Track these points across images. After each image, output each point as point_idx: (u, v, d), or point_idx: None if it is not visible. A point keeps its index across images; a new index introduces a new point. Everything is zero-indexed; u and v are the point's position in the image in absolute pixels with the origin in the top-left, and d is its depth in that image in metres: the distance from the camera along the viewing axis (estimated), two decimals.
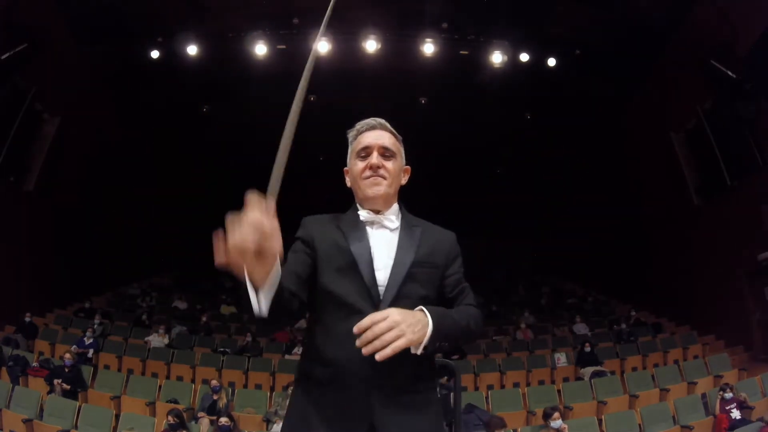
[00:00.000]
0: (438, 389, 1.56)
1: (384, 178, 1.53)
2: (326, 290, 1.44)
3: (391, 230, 1.53)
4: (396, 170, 1.56)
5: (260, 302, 1.21)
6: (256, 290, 1.21)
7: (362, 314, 1.36)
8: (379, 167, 1.52)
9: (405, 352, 1.32)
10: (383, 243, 1.50)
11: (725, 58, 8.50)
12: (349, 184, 1.62)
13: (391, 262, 1.46)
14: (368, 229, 1.52)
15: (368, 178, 1.53)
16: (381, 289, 1.42)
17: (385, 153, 1.55)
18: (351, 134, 1.62)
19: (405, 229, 1.53)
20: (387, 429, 1.36)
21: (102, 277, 12.81)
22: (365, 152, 1.55)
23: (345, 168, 1.64)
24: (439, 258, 1.51)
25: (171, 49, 10.01)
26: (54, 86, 9.64)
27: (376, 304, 1.40)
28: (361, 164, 1.55)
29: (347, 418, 1.37)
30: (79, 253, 11.43)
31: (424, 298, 1.44)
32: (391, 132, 1.60)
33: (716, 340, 9.61)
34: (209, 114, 12.61)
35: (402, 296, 1.42)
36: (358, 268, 1.43)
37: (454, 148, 13.89)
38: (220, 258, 1.09)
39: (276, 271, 1.21)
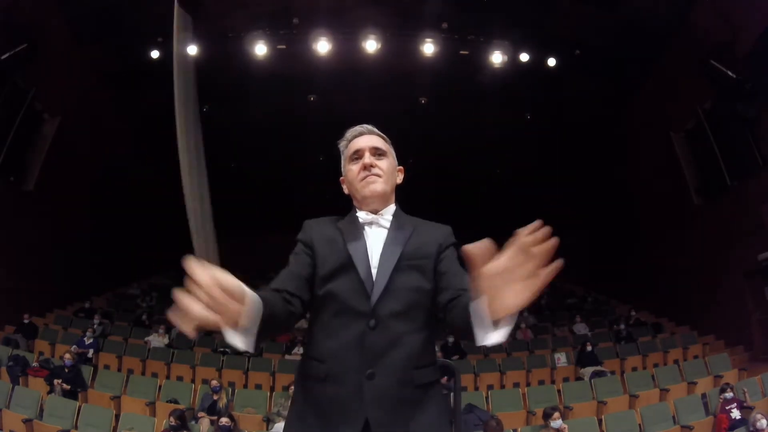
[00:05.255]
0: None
1: (378, 176, 1.56)
2: (324, 289, 1.46)
3: (389, 229, 1.55)
4: (389, 168, 1.60)
5: (243, 341, 1.13)
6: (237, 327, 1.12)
7: (355, 310, 1.40)
8: (372, 165, 1.56)
9: (402, 339, 1.36)
10: (381, 241, 1.51)
11: (725, 58, 8.50)
12: (346, 191, 1.65)
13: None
14: (366, 228, 1.54)
15: (364, 178, 1.56)
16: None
17: (377, 152, 1.59)
18: (342, 144, 1.66)
19: (395, 226, 1.55)
20: (382, 425, 1.34)
21: (102, 277, 12.81)
22: (357, 155, 1.59)
23: (341, 177, 1.66)
24: (431, 248, 1.51)
25: (171, 49, 9.99)
26: (54, 86, 9.64)
27: (369, 299, 1.41)
28: (355, 167, 1.58)
29: (342, 414, 1.35)
30: (79, 253, 11.42)
31: (417, 290, 1.45)
32: (379, 135, 1.64)
33: (716, 340, 9.61)
34: (209, 114, 12.61)
35: (392, 289, 1.42)
36: (354, 266, 1.44)
37: (454, 148, 13.89)
38: (187, 331, 1.03)
39: (251, 308, 1.12)
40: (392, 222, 1.56)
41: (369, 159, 1.57)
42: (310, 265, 1.49)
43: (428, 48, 9.97)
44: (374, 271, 1.45)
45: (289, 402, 1.56)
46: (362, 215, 1.56)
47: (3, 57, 8.20)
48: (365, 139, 1.61)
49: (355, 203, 1.62)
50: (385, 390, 1.36)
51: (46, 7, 8.74)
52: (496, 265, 1.00)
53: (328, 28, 9.73)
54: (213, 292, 1.01)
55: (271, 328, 1.22)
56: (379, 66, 10.42)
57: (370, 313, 1.40)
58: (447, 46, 10.09)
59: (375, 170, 1.56)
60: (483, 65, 10.37)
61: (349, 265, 1.45)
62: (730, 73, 8.48)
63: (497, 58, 10.15)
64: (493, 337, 1.11)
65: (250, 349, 1.16)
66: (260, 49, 9.90)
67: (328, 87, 11.25)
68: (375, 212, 1.56)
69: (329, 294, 1.44)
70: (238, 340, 1.12)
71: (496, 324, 1.09)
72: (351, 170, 1.60)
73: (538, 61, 10.28)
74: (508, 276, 0.99)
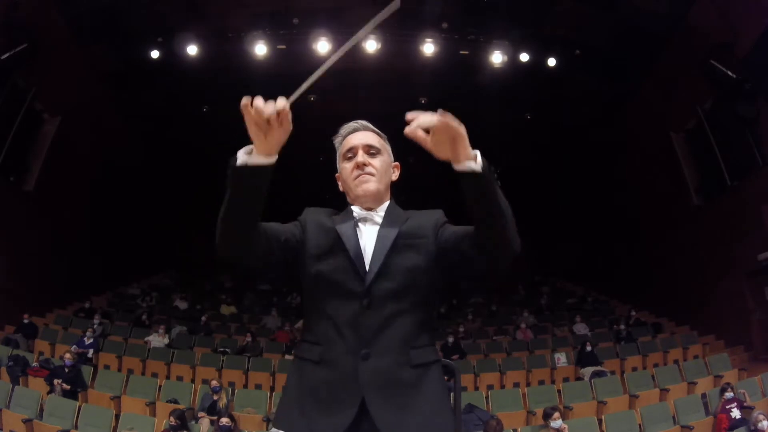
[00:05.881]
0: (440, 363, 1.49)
1: (372, 174, 1.54)
2: (314, 270, 1.45)
3: (383, 221, 1.53)
4: (383, 166, 1.58)
5: (250, 160, 1.28)
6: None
7: (349, 290, 1.39)
8: (365, 164, 1.55)
9: (396, 318, 1.35)
10: (373, 236, 1.50)
11: (725, 58, 8.50)
12: (342, 188, 1.64)
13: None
14: (360, 224, 1.52)
15: (357, 177, 1.54)
16: (368, 265, 1.42)
17: (370, 150, 1.57)
18: (336, 140, 1.65)
19: (388, 217, 1.54)
20: (378, 408, 1.31)
21: (102, 277, 12.81)
22: (351, 152, 1.58)
23: (336, 174, 1.65)
24: (427, 230, 1.50)
25: (171, 49, 10.01)
26: (54, 86, 9.64)
27: (362, 279, 1.40)
28: (348, 165, 1.57)
29: (338, 397, 1.33)
30: (79, 253, 11.43)
31: (413, 269, 1.43)
32: (374, 131, 1.63)
33: (716, 340, 9.60)
34: (209, 114, 12.61)
35: (388, 269, 1.41)
36: (344, 246, 1.44)
37: None
38: (244, 101, 1.29)
39: (273, 155, 1.30)
40: (385, 216, 1.55)
41: (362, 158, 1.55)
42: (294, 239, 1.49)
43: (428, 48, 9.98)
44: (368, 258, 1.43)
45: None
46: (356, 210, 1.56)
47: (3, 57, 8.20)
48: (359, 136, 1.60)
49: (349, 200, 1.61)
50: (381, 370, 1.34)
51: (46, 7, 8.75)
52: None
53: (328, 28, 9.73)
54: (273, 117, 1.30)
55: (251, 203, 1.31)
56: (379, 66, 10.42)
57: (364, 293, 1.38)
58: (447, 46, 10.10)
59: (368, 169, 1.55)
60: (483, 65, 10.37)
61: (339, 247, 1.44)
62: (730, 73, 8.48)
63: (497, 58, 10.15)
64: (475, 163, 1.29)
65: (243, 164, 1.28)
66: (260, 49, 9.90)
67: (328, 87, 11.25)
68: (369, 210, 1.55)
69: (321, 275, 1.43)
70: (244, 154, 1.30)
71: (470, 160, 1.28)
72: (345, 168, 1.59)
73: (538, 61, 10.28)
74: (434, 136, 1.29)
